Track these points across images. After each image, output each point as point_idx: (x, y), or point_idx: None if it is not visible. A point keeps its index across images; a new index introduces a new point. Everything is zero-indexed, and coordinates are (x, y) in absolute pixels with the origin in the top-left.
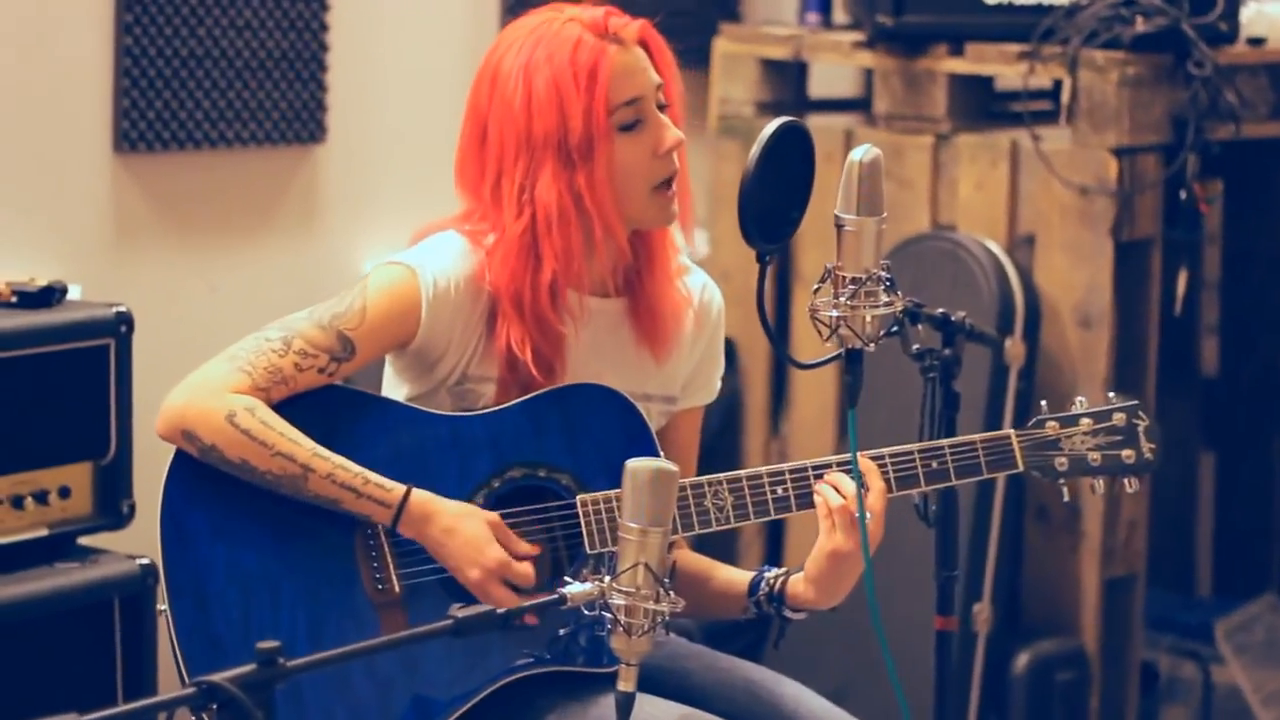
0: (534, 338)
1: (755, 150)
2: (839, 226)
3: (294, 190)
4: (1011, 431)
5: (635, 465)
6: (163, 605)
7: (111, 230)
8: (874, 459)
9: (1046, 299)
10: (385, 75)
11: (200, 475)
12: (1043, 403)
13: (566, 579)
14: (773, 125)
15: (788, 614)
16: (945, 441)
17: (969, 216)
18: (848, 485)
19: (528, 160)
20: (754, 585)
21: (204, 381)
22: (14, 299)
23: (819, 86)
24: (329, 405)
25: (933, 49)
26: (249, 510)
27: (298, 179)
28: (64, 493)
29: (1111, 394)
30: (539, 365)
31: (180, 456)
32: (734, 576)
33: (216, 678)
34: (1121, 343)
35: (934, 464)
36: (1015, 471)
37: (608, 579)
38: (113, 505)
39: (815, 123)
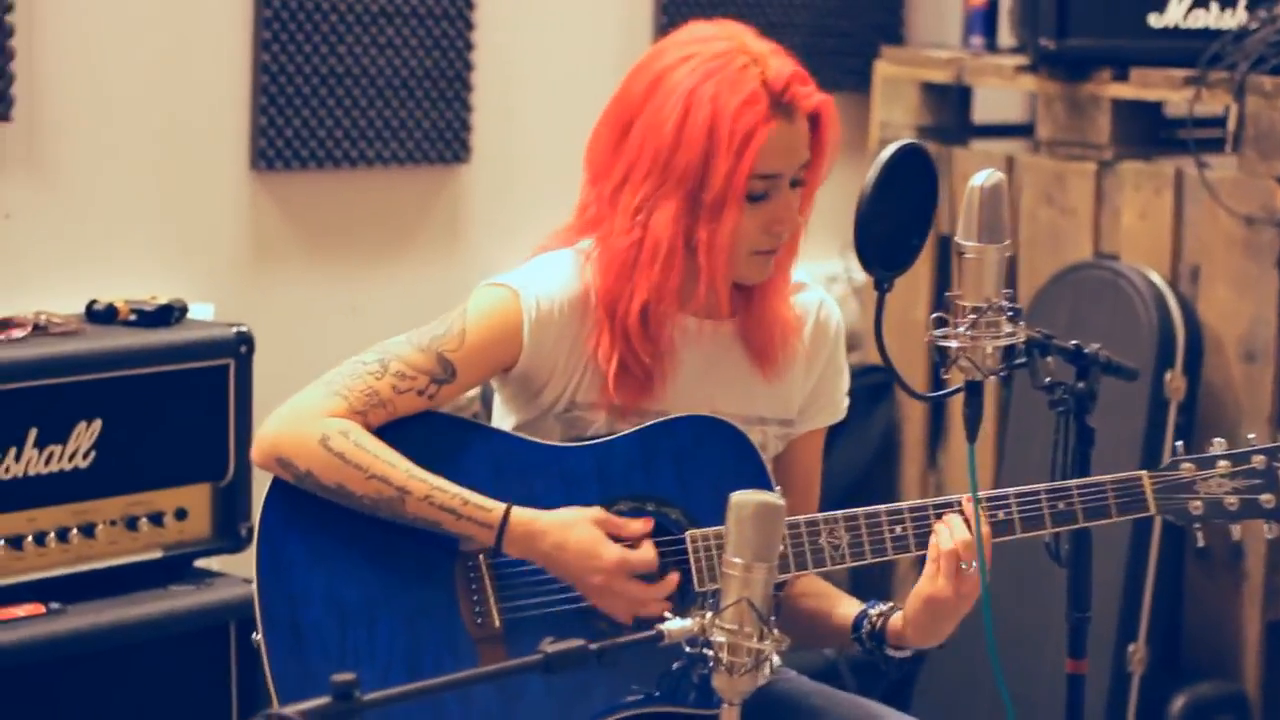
0: (621, 352)
1: (872, 173)
2: (959, 254)
3: (437, 211)
4: (1144, 473)
5: (740, 498)
6: (258, 635)
7: (248, 250)
8: (996, 500)
9: (1210, 331)
10: (531, 94)
11: (298, 502)
12: (1178, 444)
13: (668, 615)
14: (891, 147)
15: (890, 653)
16: (1074, 482)
17: (1132, 246)
18: (960, 531)
19: (657, 183)
20: (858, 621)
21: (298, 407)
22: (133, 317)
23: (983, 111)
24: (430, 432)
25: (1096, 73)
26: (347, 538)
27: (441, 199)
28: (180, 514)
29: (1251, 435)
30: (622, 383)
31: (277, 483)
32: (846, 611)
33: (288, 709)
34: None
35: (1060, 505)
36: (1146, 515)
37: (709, 615)
38: (230, 528)
39: (977, 148)
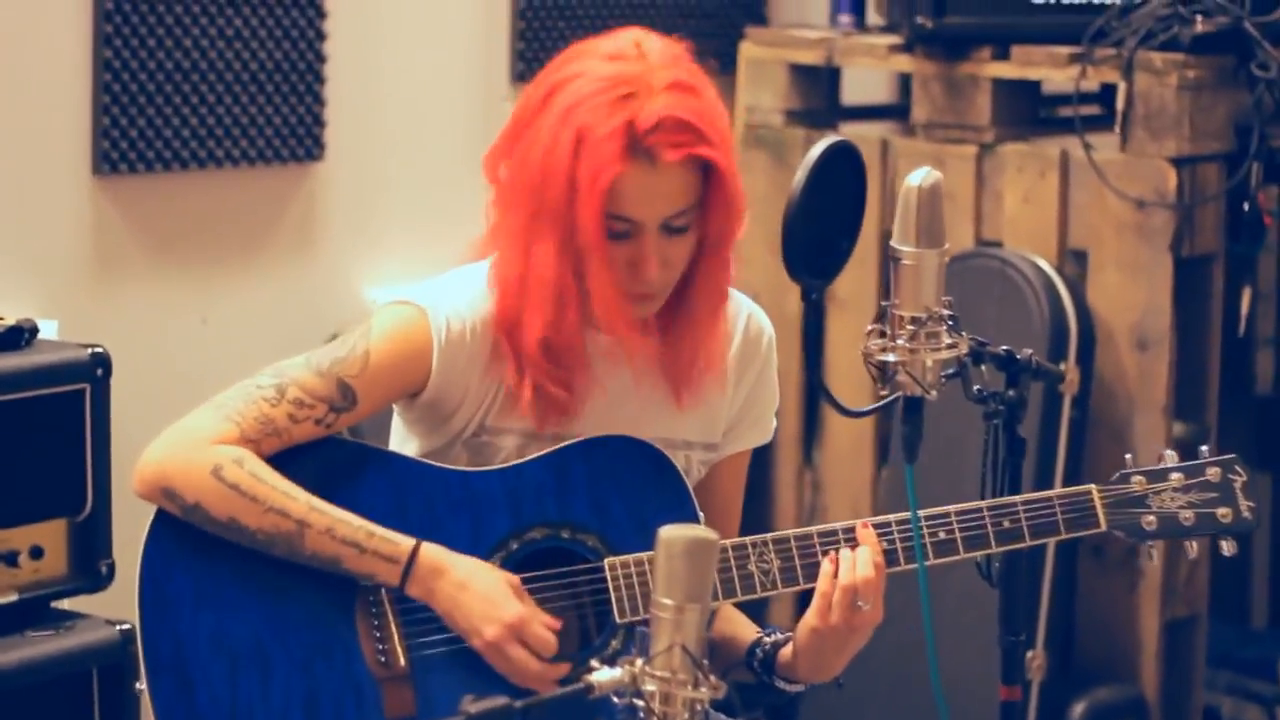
0: (533, 378)
1: (801, 175)
2: (895, 260)
3: (290, 213)
4: (1093, 487)
5: (669, 534)
6: (141, 684)
7: (91, 260)
8: (936, 519)
9: (1100, 320)
10: (388, 87)
11: (184, 536)
12: (1127, 456)
13: (594, 664)
14: (820, 146)
15: (780, 685)
16: (1018, 498)
17: (1016, 232)
18: (864, 566)
19: (533, 215)
20: (752, 648)
21: (186, 433)
22: None
23: (852, 93)
24: (327, 460)
25: (976, 52)
26: (238, 575)
27: (294, 200)
28: (36, 553)
29: (1204, 448)
30: (540, 409)
31: (161, 516)
32: (743, 634)
33: None
34: (1182, 366)
35: (1005, 523)
36: (1097, 531)
37: (640, 663)
38: (90, 566)
39: (848, 132)
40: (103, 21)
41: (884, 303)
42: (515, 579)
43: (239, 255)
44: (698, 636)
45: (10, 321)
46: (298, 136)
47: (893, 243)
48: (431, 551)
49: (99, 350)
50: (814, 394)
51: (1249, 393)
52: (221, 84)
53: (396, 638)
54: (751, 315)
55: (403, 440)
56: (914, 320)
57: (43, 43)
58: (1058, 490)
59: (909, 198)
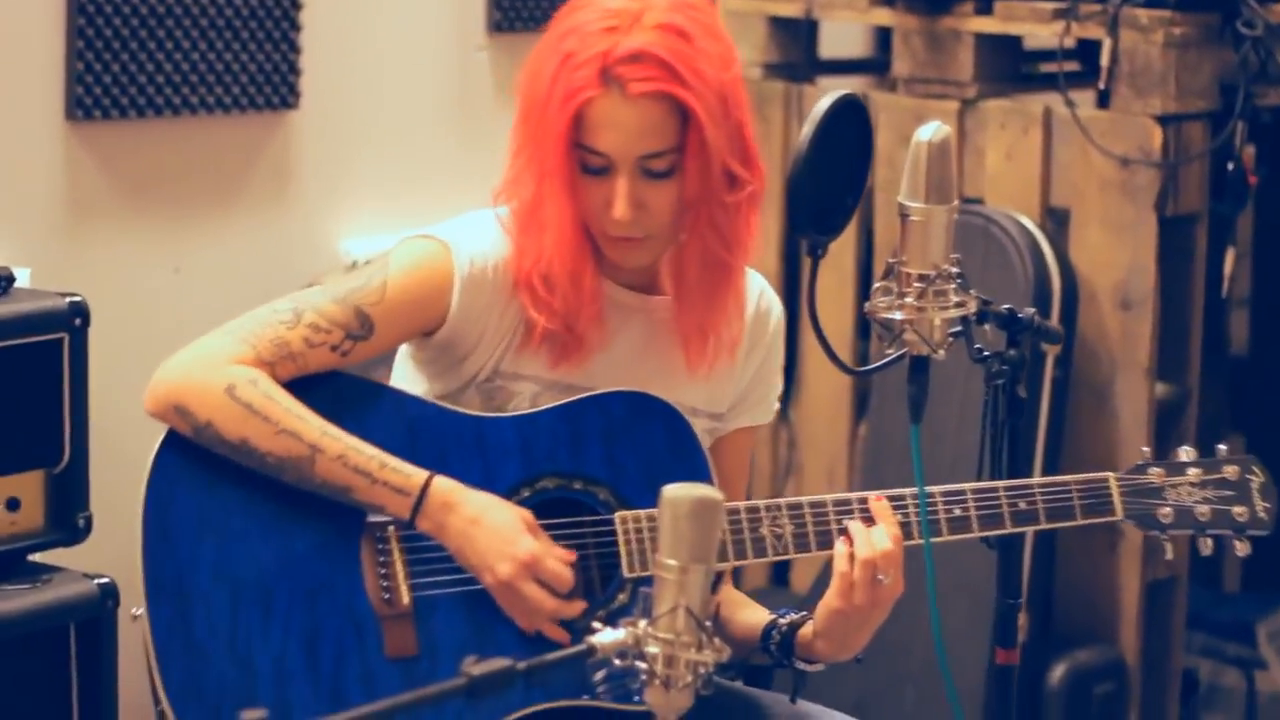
0: (546, 315)
1: (807, 130)
2: (903, 216)
3: (264, 161)
4: (1111, 475)
5: (674, 493)
6: (137, 610)
7: (63, 207)
8: (954, 495)
9: (1083, 279)
10: (363, 34)
11: (192, 461)
12: (1144, 449)
13: (595, 625)
14: (827, 100)
15: (799, 665)
16: (1035, 481)
17: (997, 189)
18: (881, 539)
19: (528, 140)
20: (767, 631)
21: (202, 353)
22: None
23: (830, 46)
24: (339, 394)
25: (958, 6)
26: (244, 504)
27: (268, 148)
28: (12, 505)
29: (1222, 446)
30: (551, 346)
31: (171, 438)
32: (754, 619)
33: None
34: (1165, 326)
35: (1022, 504)
36: (1113, 519)
37: (643, 624)
38: (67, 518)
39: (826, 86)
40: None
41: (891, 259)
42: (528, 514)
43: (213, 204)
44: (702, 598)
45: None
46: (273, 84)
47: (901, 198)
48: (444, 485)
49: (77, 299)
50: (791, 349)
51: (1224, 353)
52: (196, 29)
53: (401, 576)
54: (763, 292)
55: (411, 384)
56: (922, 278)
57: None
58: (1076, 476)
59: (918, 153)
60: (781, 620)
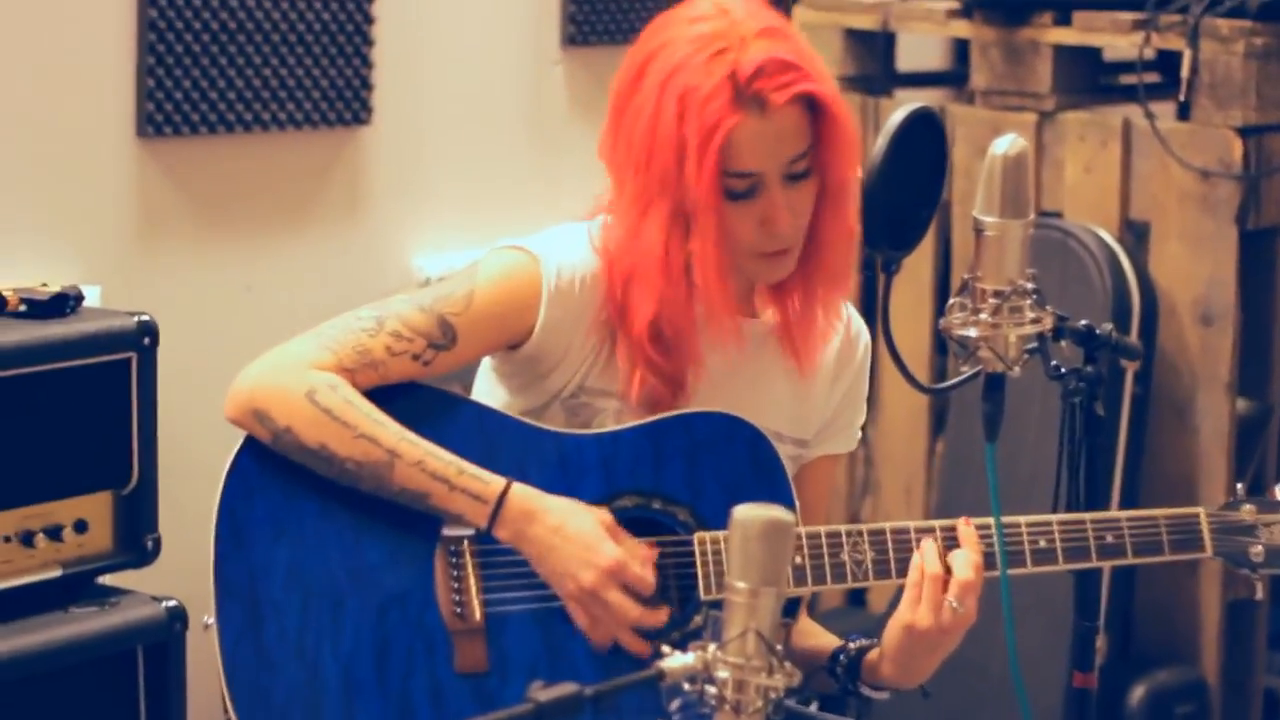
0: (642, 365)
1: (881, 143)
2: (978, 231)
3: (337, 178)
4: (1201, 510)
5: (745, 514)
6: (209, 619)
7: (134, 225)
8: (1039, 526)
9: (1163, 294)
10: (437, 49)
11: (268, 466)
12: (1239, 486)
13: (664, 648)
14: (901, 112)
15: (865, 691)
16: (1123, 514)
17: (1076, 202)
18: (957, 562)
19: (643, 188)
20: (835, 654)
21: (283, 357)
22: (23, 308)
23: (907, 59)
24: (419, 405)
25: (1036, 17)
26: (319, 512)
27: (341, 165)
28: (80, 527)
29: None
30: (646, 396)
31: (249, 444)
32: (823, 644)
33: None
34: (1245, 341)
35: (1109, 538)
36: (1201, 555)
37: (712, 648)
38: (135, 540)
39: (902, 99)
40: None
41: (966, 275)
42: (608, 516)
43: (284, 221)
44: (773, 622)
45: (55, 288)
46: (345, 99)
47: (975, 213)
48: (523, 493)
49: (146, 319)
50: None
51: None
52: (268, 45)
53: (474, 590)
54: (852, 316)
55: (493, 399)
56: (997, 293)
57: (86, 1)
58: (1164, 510)
59: (993, 166)
60: (851, 645)
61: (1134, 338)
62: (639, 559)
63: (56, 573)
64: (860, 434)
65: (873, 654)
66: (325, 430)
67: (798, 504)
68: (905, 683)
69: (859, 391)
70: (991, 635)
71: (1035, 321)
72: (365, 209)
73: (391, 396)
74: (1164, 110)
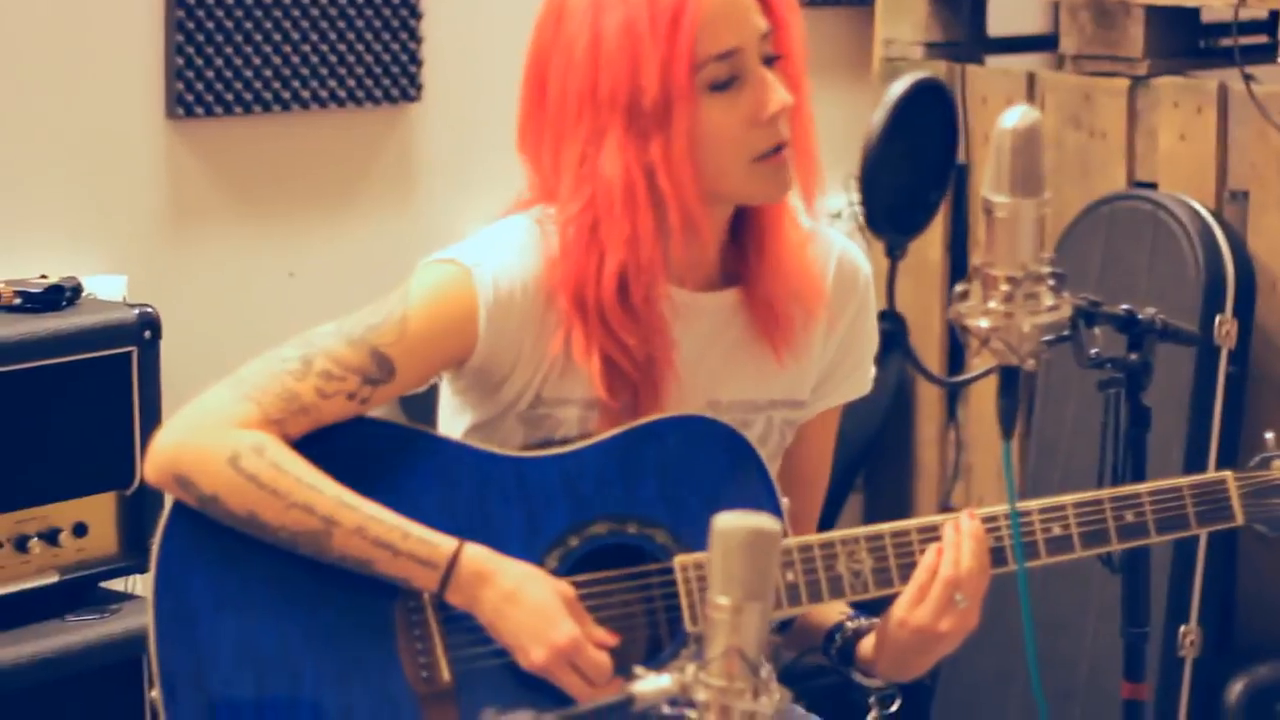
0: (604, 345)
1: (879, 117)
2: (987, 212)
3: (383, 158)
4: (1229, 474)
5: (726, 524)
6: (155, 691)
7: (165, 211)
8: (1051, 510)
9: (1262, 267)
10: (487, 23)
11: (203, 530)
12: (1268, 436)
13: (638, 671)
14: (901, 83)
15: (856, 677)
16: (1144, 487)
17: (1171, 172)
18: (967, 557)
19: (591, 122)
20: (830, 635)
21: (202, 414)
22: (16, 301)
23: (998, 23)
24: (364, 445)
25: None
26: (266, 574)
27: (388, 145)
28: (80, 530)
29: None
30: (613, 383)
31: (178, 508)
32: (824, 617)
33: None
34: None
35: (1129, 516)
36: (1232, 525)
37: (690, 668)
38: (139, 543)
39: (994, 65)
40: None
41: (975, 261)
42: (569, 590)
43: (328, 204)
44: (758, 640)
45: (52, 279)
46: (391, 76)
47: (984, 192)
48: (475, 555)
49: (147, 310)
50: (956, 343)
51: None
52: (307, 20)
53: (440, 649)
54: (844, 252)
55: (455, 412)
56: (1009, 280)
57: None
58: (1189, 478)
59: (1001, 141)
60: (849, 624)
61: (1229, 315)
62: (596, 640)
63: (53, 579)
64: (874, 372)
65: (866, 641)
66: (252, 499)
67: (803, 472)
68: (896, 678)
69: (863, 329)
70: (1081, 631)
71: (1052, 309)
72: (414, 189)
73: (333, 435)
74: (1266, 74)
